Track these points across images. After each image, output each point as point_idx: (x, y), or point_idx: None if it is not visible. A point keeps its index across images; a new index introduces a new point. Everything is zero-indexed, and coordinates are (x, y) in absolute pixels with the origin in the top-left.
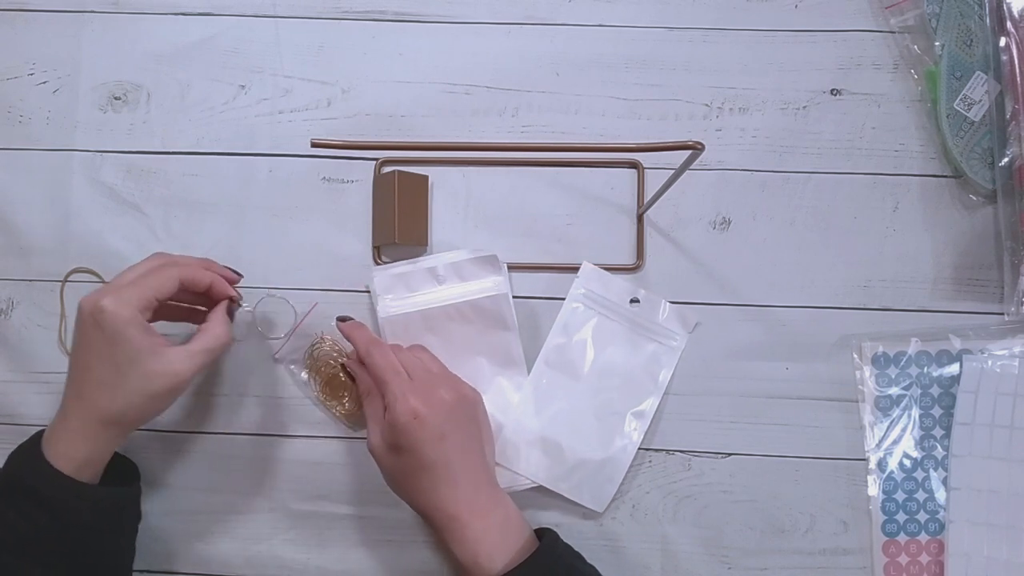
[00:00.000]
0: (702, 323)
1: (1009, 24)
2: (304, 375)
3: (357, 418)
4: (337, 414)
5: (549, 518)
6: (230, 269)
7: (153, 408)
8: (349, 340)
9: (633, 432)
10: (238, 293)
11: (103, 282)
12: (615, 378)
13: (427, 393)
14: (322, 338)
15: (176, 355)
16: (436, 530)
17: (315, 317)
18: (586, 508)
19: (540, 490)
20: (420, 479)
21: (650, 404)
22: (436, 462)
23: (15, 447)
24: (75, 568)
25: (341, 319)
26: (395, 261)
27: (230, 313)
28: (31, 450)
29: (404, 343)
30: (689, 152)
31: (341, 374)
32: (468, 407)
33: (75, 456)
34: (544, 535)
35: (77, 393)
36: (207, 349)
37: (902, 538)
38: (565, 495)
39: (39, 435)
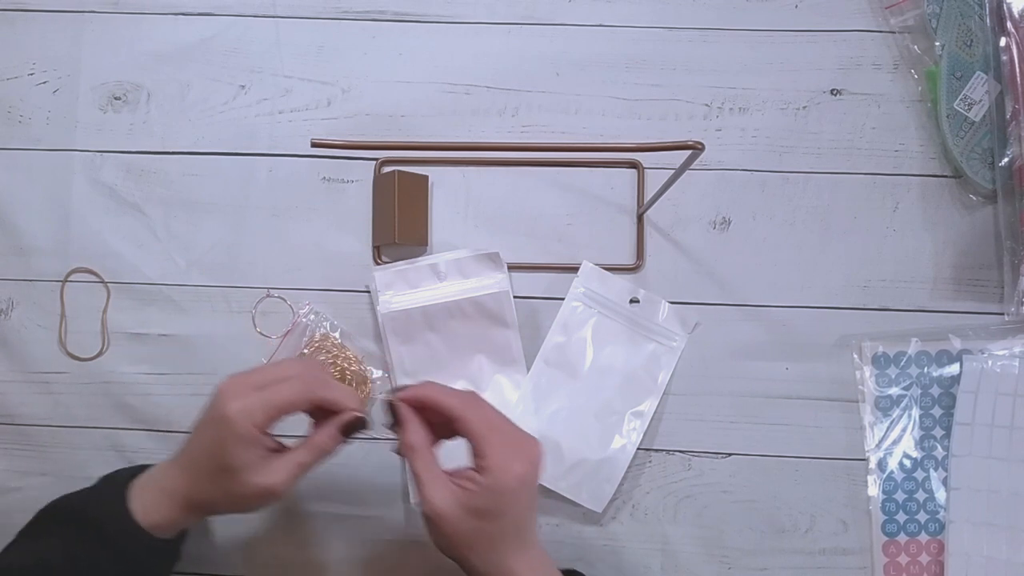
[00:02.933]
0: (702, 323)
1: (1009, 24)
2: None
3: None
4: None
5: (549, 518)
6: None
7: (243, 510)
8: (423, 402)
9: (632, 432)
10: (369, 420)
11: (103, 282)
12: (614, 377)
13: (524, 451)
14: (319, 338)
15: (277, 469)
16: None
17: (312, 317)
18: (586, 508)
19: (540, 489)
20: (499, 544)
21: (649, 404)
22: (523, 526)
23: (106, 476)
24: None
25: (397, 389)
26: (395, 261)
27: (348, 430)
28: (118, 498)
29: (405, 340)
30: (689, 152)
31: (389, 416)
32: (543, 464)
33: (156, 520)
34: None
35: (184, 465)
36: (308, 464)
37: (902, 538)
38: (564, 494)
39: (129, 477)
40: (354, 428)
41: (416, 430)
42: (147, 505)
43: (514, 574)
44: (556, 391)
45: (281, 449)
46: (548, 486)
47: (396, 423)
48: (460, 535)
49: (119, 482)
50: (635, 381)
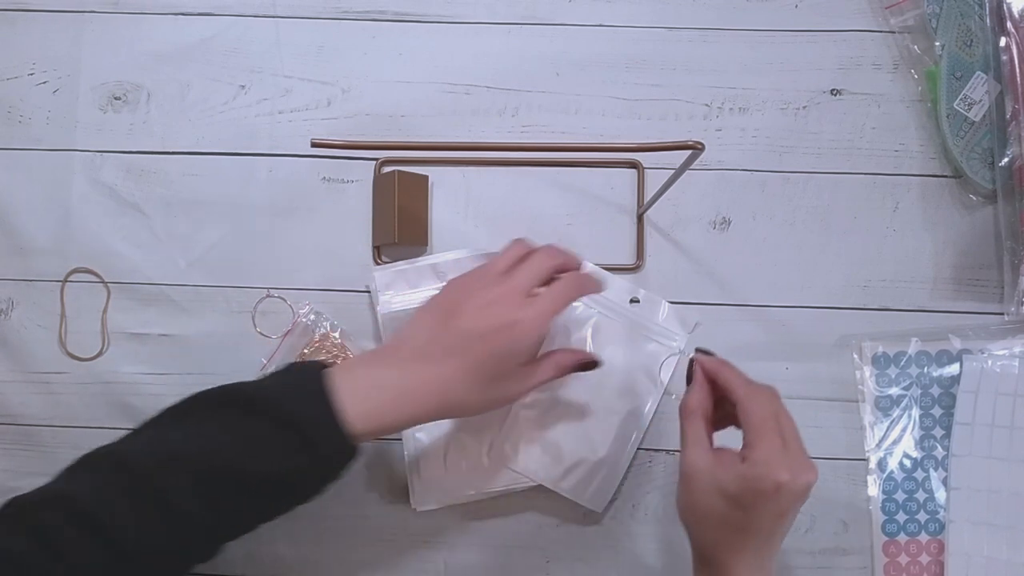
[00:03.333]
0: (702, 323)
1: (1009, 24)
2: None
3: None
4: None
5: (549, 518)
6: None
7: (482, 411)
8: (716, 377)
9: (632, 432)
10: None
11: (103, 282)
12: (614, 377)
13: (796, 470)
14: (319, 338)
15: (533, 375)
16: (705, 574)
17: (312, 317)
18: (586, 508)
19: (540, 489)
20: (732, 533)
21: (650, 404)
22: (762, 532)
23: (297, 376)
24: (284, 507)
25: (702, 351)
26: (395, 261)
27: (586, 368)
28: (328, 408)
29: None
30: (689, 152)
31: (689, 370)
32: (810, 492)
33: (370, 428)
34: None
35: (446, 375)
36: (546, 376)
37: (902, 538)
38: (565, 494)
39: (325, 377)
40: (590, 367)
41: (699, 396)
42: (361, 410)
43: (732, 573)
44: (556, 391)
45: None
46: (549, 486)
47: (688, 380)
48: (703, 505)
49: (316, 380)
50: (635, 381)
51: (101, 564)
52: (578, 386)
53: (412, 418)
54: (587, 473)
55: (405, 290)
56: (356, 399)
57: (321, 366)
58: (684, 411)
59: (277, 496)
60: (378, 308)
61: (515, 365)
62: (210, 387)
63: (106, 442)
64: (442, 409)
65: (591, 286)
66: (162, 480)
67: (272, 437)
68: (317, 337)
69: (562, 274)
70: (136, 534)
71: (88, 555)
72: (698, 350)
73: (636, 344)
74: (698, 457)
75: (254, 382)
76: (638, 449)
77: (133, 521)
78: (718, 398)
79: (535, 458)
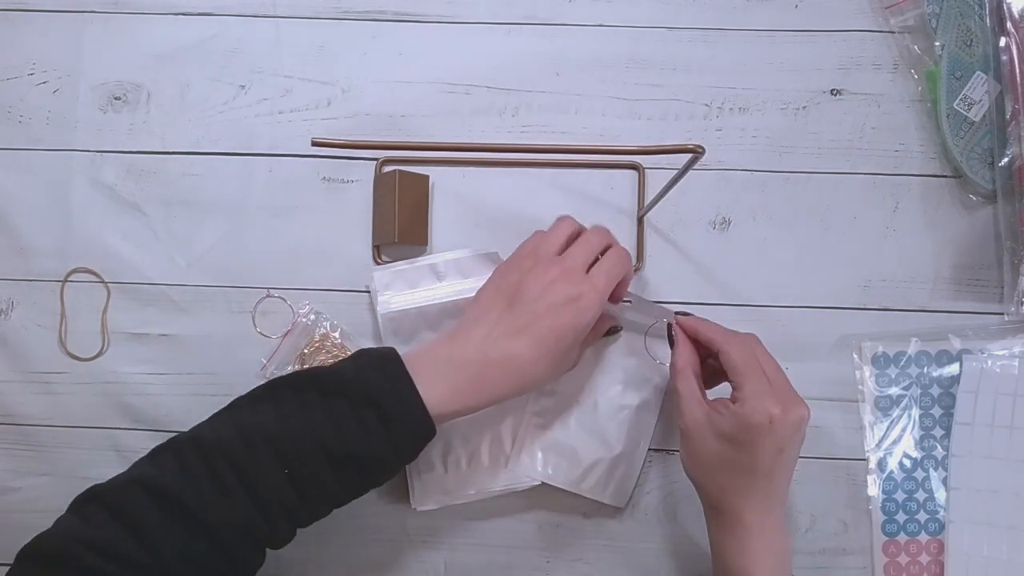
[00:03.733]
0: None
1: (1009, 24)
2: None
3: None
4: None
5: (549, 518)
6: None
7: (556, 378)
8: (696, 334)
9: (646, 422)
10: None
11: (103, 282)
12: (618, 373)
13: (786, 402)
14: (319, 338)
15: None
16: (717, 525)
17: (312, 317)
18: (586, 507)
19: (540, 489)
20: (736, 476)
21: (656, 398)
22: (763, 470)
23: (374, 359)
24: (361, 489)
25: (681, 314)
26: (395, 261)
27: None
28: (407, 388)
29: (404, 340)
30: (690, 155)
31: (668, 332)
32: (805, 428)
33: (450, 409)
34: None
35: (510, 336)
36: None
37: (902, 538)
38: (587, 495)
39: (402, 360)
40: (614, 332)
41: (685, 354)
42: (439, 390)
43: (742, 517)
44: (561, 390)
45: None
46: (570, 489)
47: (671, 344)
48: (705, 454)
49: (394, 362)
50: (639, 376)
51: (191, 548)
52: (584, 384)
53: (491, 398)
54: (606, 471)
55: (404, 290)
56: (435, 380)
57: (394, 351)
58: (674, 371)
59: (358, 476)
60: (378, 308)
61: (579, 336)
62: (284, 374)
63: (105, 442)
64: (519, 387)
65: (630, 262)
66: (248, 462)
67: (353, 417)
68: (317, 337)
69: (607, 250)
70: (225, 517)
71: (179, 540)
72: (676, 314)
73: (634, 339)
74: (694, 409)
75: (328, 367)
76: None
77: (221, 504)
78: (704, 357)
79: (552, 463)
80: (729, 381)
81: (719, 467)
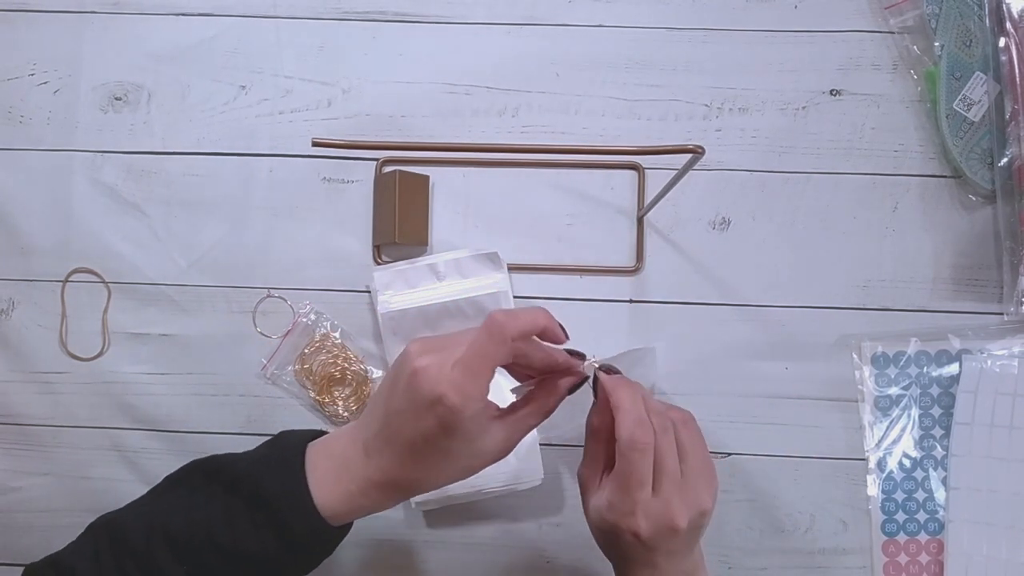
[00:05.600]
0: (701, 323)
1: (1009, 24)
2: (299, 376)
3: (351, 420)
4: (329, 414)
5: (550, 518)
6: (561, 329)
7: (458, 480)
8: (611, 396)
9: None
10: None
11: (104, 282)
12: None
13: (661, 518)
14: (320, 338)
15: (500, 433)
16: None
17: (312, 317)
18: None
19: (540, 489)
20: (619, 558)
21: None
22: (644, 563)
23: (280, 451)
24: None
25: (604, 368)
26: (395, 261)
27: (574, 389)
28: (298, 490)
29: (404, 340)
30: (689, 155)
31: (594, 383)
32: (682, 533)
33: (342, 510)
34: None
35: (387, 454)
36: (534, 425)
37: (901, 538)
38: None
39: (301, 448)
40: (580, 386)
41: (603, 416)
42: (336, 494)
43: None
44: None
45: (500, 409)
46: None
47: (595, 395)
48: (588, 522)
49: (295, 458)
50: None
51: None
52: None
53: (381, 506)
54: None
55: (405, 290)
56: (328, 482)
57: (310, 437)
58: (588, 428)
59: (263, 573)
60: (378, 308)
61: (463, 437)
62: (207, 456)
63: (106, 442)
64: (397, 492)
65: (498, 326)
66: (149, 559)
67: (248, 516)
68: (317, 337)
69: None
70: None
71: None
72: (601, 367)
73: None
74: (585, 475)
75: (243, 455)
76: None
77: None
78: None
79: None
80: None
81: (596, 536)
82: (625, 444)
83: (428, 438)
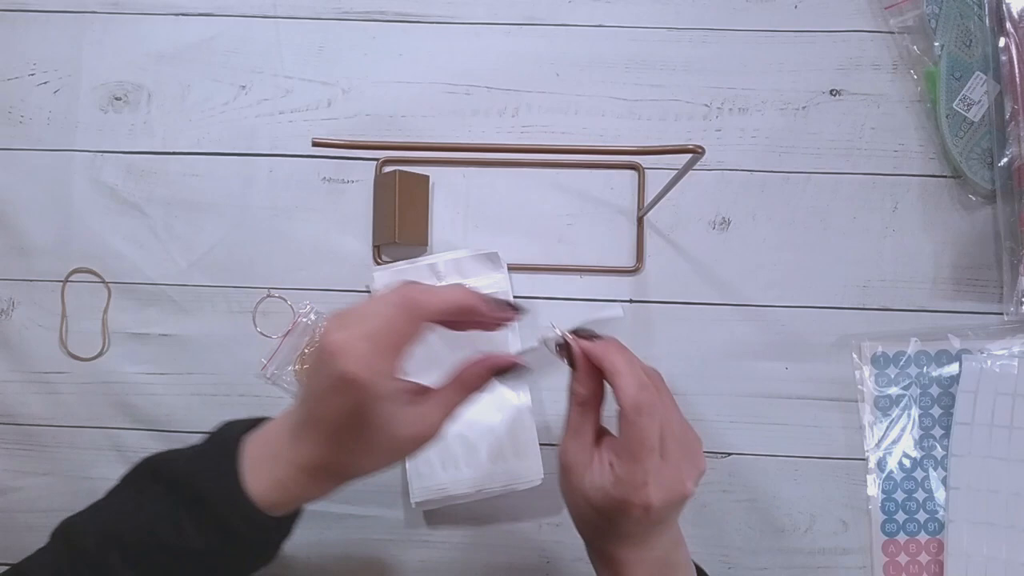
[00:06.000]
0: (701, 323)
1: (1008, 24)
2: (300, 376)
3: None
4: None
5: (551, 518)
6: (508, 305)
7: (393, 463)
8: (601, 369)
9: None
10: (528, 367)
11: (104, 282)
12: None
13: (670, 487)
14: (319, 339)
15: (428, 414)
16: (590, 553)
17: (312, 317)
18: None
19: (540, 489)
20: (602, 535)
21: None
22: (635, 537)
23: (216, 447)
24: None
25: (584, 334)
26: (395, 261)
27: (503, 373)
28: (232, 484)
29: None
30: (689, 155)
31: (564, 354)
32: (684, 503)
33: (278, 499)
34: None
35: (313, 438)
36: (460, 403)
37: (901, 537)
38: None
39: (239, 439)
40: (511, 372)
41: (589, 384)
42: (267, 483)
43: (615, 555)
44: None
45: (422, 389)
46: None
47: (571, 363)
48: (570, 501)
49: (229, 451)
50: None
51: None
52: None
53: (315, 492)
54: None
55: None
56: (261, 471)
57: (249, 427)
58: (573, 398)
59: (211, 570)
60: None
61: (381, 417)
62: (155, 452)
63: (106, 442)
64: (331, 477)
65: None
66: (104, 559)
67: (189, 515)
68: (317, 337)
69: None
70: None
71: None
72: (577, 334)
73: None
74: (573, 451)
75: (183, 451)
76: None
77: None
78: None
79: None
80: (619, 428)
81: (584, 520)
82: (632, 409)
83: (343, 419)
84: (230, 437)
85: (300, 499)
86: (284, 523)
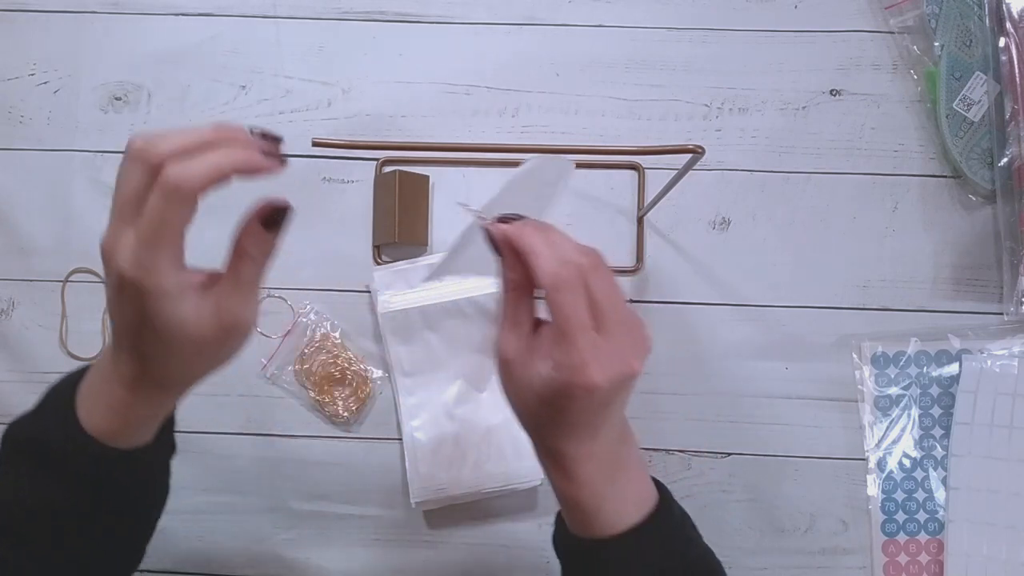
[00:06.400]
0: (701, 323)
1: (1008, 24)
2: (299, 376)
3: (350, 420)
4: (329, 413)
5: (549, 518)
6: (264, 134)
7: (221, 363)
8: (518, 251)
9: None
10: (286, 204)
11: (103, 282)
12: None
13: (612, 366)
14: (320, 338)
15: (223, 299)
16: (537, 451)
17: (312, 317)
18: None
19: (540, 489)
20: (552, 427)
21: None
22: (585, 426)
23: (52, 387)
24: (96, 534)
25: (504, 219)
26: (395, 261)
27: (271, 222)
28: (69, 426)
29: (403, 339)
30: (689, 155)
31: (490, 240)
32: (634, 382)
33: (119, 428)
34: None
35: (123, 356)
36: (257, 276)
37: (901, 537)
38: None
39: (74, 385)
40: (278, 216)
41: (516, 269)
42: (102, 413)
43: (563, 451)
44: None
45: (213, 277)
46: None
47: (496, 250)
48: (513, 397)
49: (66, 396)
50: None
51: None
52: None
53: (145, 408)
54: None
55: (405, 290)
56: (94, 403)
57: (79, 376)
58: (503, 286)
59: (94, 522)
60: (378, 308)
61: (168, 317)
62: (8, 423)
63: None
64: (160, 392)
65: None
66: None
67: (46, 473)
68: (317, 337)
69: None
70: None
71: None
72: (499, 219)
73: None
74: (509, 343)
75: (27, 412)
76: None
77: None
78: None
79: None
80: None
81: (531, 414)
82: (551, 286)
83: (134, 323)
84: (68, 383)
85: (136, 420)
86: (140, 453)
